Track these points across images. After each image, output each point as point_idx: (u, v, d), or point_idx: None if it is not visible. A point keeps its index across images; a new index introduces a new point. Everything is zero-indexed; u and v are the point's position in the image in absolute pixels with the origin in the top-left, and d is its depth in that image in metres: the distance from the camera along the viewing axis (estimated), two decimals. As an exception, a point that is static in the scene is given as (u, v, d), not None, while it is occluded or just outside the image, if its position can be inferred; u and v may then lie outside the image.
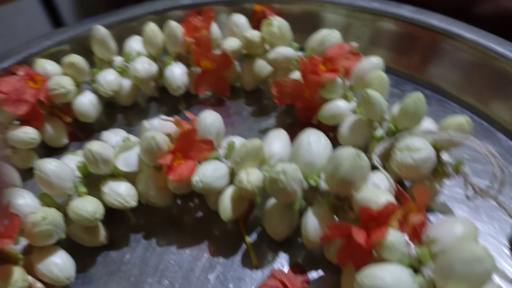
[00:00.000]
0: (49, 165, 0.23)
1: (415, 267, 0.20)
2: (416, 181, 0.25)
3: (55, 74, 0.31)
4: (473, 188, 0.24)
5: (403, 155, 0.23)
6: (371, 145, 0.27)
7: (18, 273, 0.21)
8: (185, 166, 0.24)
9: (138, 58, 0.33)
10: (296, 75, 0.31)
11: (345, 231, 0.20)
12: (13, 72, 0.31)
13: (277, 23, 0.32)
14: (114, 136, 0.27)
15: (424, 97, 0.25)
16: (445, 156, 0.25)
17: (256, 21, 0.35)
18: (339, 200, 0.23)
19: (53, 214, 0.22)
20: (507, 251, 0.24)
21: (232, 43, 0.33)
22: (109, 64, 0.33)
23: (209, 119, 0.25)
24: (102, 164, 0.24)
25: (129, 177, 0.26)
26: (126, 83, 0.34)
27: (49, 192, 0.24)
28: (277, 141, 0.25)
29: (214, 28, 0.34)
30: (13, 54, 0.35)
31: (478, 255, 0.17)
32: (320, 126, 0.29)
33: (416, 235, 0.20)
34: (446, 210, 0.26)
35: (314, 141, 0.23)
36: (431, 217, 0.26)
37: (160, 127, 0.26)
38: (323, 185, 0.23)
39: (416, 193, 0.21)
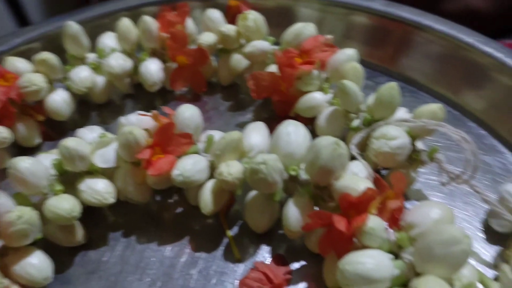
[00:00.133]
0: (23, 163, 0.23)
1: (395, 252, 0.20)
2: (393, 169, 0.26)
3: (26, 72, 0.30)
4: (448, 174, 0.25)
5: (380, 144, 0.24)
6: (348, 135, 0.27)
7: (-7, 275, 0.21)
8: (164, 161, 0.24)
9: (112, 54, 0.32)
10: (272, 68, 0.31)
11: (326, 219, 0.21)
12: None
13: (253, 17, 0.32)
14: (90, 133, 0.27)
15: (398, 88, 0.25)
16: (419, 145, 0.25)
17: (230, 16, 0.35)
18: (319, 189, 0.23)
19: (29, 213, 0.22)
20: (481, 235, 0.25)
21: (207, 38, 0.33)
22: (82, 61, 0.33)
23: (187, 113, 0.25)
24: (78, 160, 0.24)
25: (107, 173, 0.25)
26: (100, 80, 0.33)
27: (24, 191, 0.23)
28: (256, 134, 0.25)
29: (189, 23, 0.34)
30: (-20, 52, 0.34)
31: (456, 236, 0.18)
32: (298, 119, 0.30)
33: (394, 221, 0.21)
34: (421, 197, 0.27)
35: (293, 131, 0.23)
36: (408, 205, 0.26)
37: (137, 122, 0.25)
38: (303, 175, 0.23)
39: (393, 180, 0.21)
